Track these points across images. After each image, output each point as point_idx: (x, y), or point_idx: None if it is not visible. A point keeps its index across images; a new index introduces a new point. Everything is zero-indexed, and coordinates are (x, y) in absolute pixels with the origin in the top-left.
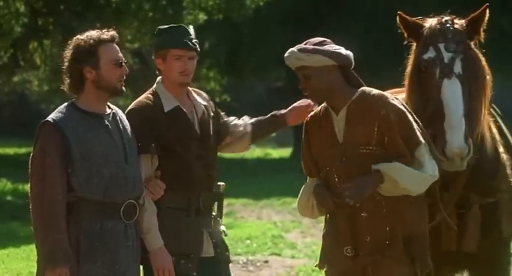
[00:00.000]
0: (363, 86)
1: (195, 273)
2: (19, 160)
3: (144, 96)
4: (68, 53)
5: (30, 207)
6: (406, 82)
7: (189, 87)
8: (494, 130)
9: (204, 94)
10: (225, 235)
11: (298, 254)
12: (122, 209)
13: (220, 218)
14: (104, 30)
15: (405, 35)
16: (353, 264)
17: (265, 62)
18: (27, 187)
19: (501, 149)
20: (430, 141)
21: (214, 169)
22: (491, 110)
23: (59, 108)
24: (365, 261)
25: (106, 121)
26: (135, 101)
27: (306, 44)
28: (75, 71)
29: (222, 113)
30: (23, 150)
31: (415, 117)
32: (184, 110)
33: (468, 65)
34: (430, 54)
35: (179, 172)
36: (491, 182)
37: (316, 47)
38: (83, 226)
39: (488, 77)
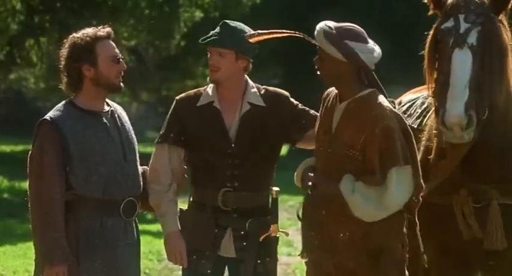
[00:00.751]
0: (379, 88)
1: (209, 271)
2: (16, 157)
3: (196, 89)
4: (64, 52)
5: (29, 205)
6: (425, 53)
7: (261, 86)
8: None
9: (278, 94)
10: (287, 235)
11: (294, 251)
12: (121, 207)
13: (274, 223)
14: (99, 27)
15: (430, 6)
16: (320, 254)
17: (262, 59)
18: (24, 185)
19: None
20: (416, 165)
21: (248, 170)
22: None
23: (56, 106)
24: (322, 257)
25: (104, 119)
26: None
27: (337, 28)
28: (73, 70)
29: (311, 112)
30: (19, 148)
31: (410, 137)
32: (219, 107)
33: (485, 37)
34: (448, 24)
35: (198, 167)
36: None
37: (337, 37)
38: (82, 224)
39: (507, 53)
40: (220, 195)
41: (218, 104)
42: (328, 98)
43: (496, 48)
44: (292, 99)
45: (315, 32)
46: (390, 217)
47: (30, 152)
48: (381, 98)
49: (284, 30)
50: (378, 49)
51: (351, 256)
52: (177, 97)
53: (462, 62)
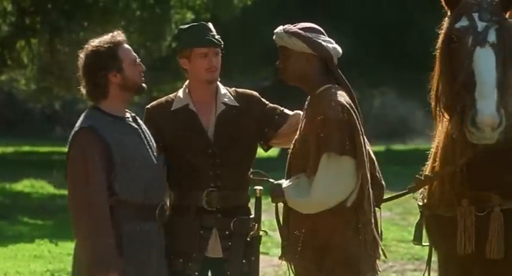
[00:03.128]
0: (343, 82)
1: (196, 273)
2: (6, 159)
3: (165, 96)
4: (86, 61)
5: (73, 213)
6: (437, 53)
7: (225, 87)
8: None
9: (248, 94)
10: (266, 234)
11: None
12: (157, 211)
13: (257, 222)
14: (113, 33)
15: (442, 2)
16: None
17: (253, 61)
18: (15, 186)
19: None
20: (361, 158)
21: (229, 169)
22: None
23: (86, 114)
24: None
25: (134, 124)
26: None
27: (294, 25)
28: (101, 78)
29: (282, 109)
30: (10, 149)
31: (356, 131)
32: (194, 109)
33: (503, 35)
34: (463, 23)
35: (179, 169)
36: None
37: (299, 31)
38: (124, 229)
39: None
40: (204, 195)
41: (193, 106)
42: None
43: None
44: (263, 99)
45: (274, 36)
46: (334, 215)
47: (68, 160)
48: (334, 92)
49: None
50: (336, 45)
51: (302, 254)
52: (148, 106)
53: (486, 61)
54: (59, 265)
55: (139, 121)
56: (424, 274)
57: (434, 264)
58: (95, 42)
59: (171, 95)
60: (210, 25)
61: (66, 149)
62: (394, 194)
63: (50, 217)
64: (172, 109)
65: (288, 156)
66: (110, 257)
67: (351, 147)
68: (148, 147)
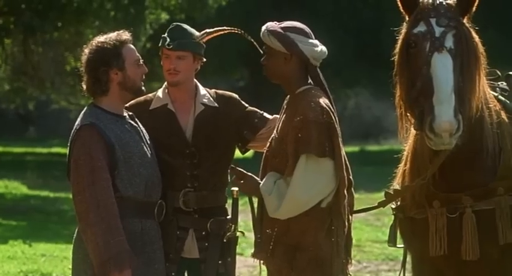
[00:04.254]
0: (320, 84)
1: (173, 274)
2: None
3: (146, 94)
4: (89, 56)
5: (82, 214)
6: (396, 58)
7: (204, 89)
8: (506, 123)
9: (228, 96)
10: (243, 234)
11: None
12: (156, 209)
13: (234, 223)
14: (119, 32)
15: (400, 6)
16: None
17: (228, 61)
18: None
19: (507, 145)
20: (339, 160)
21: (206, 169)
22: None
23: (86, 112)
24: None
25: (133, 122)
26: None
27: (280, 24)
28: (102, 73)
29: (262, 113)
30: None
31: (335, 133)
32: (173, 108)
33: (460, 40)
34: (421, 28)
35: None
36: (486, 181)
37: (280, 30)
38: (126, 227)
39: (482, 56)
40: (181, 195)
41: (172, 106)
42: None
43: (472, 51)
44: (242, 101)
45: (262, 30)
46: (308, 215)
47: (70, 158)
48: (314, 93)
49: (227, 28)
50: (323, 47)
51: (274, 252)
52: (126, 105)
53: (444, 66)
54: (32, 266)
55: (137, 120)
56: (399, 275)
57: (409, 265)
58: (100, 38)
59: (150, 95)
60: (186, 27)
61: (40, 150)
62: (366, 206)
63: (23, 218)
64: (150, 108)
65: (264, 154)
66: (124, 254)
67: (330, 149)
68: (146, 145)
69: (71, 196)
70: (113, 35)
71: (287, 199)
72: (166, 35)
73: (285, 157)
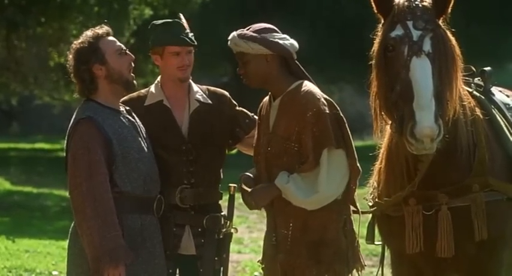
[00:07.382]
0: (306, 77)
1: (171, 271)
2: None
3: (138, 90)
4: (71, 60)
5: (78, 208)
6: (373, 62)
7: (198, 85)
8: (480, 120)
9: (220, 93)
10: (236, 231)
11: (244, 249)
12: (154, 204)
13: (229, 219)
14: (96, 28)
15: (374, 9)
16: (276, 256)
17: (211, 57)
18: None
19: (482, 141)
20: (351, 150)
21: (202, 166)
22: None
23: (82, 106)
24: (281, 259)
25: (131, 117)
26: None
27: (248, 29)
28: (84, 72)
29: (252, 115)
30: None
31: (343, 123)
32: (169, 105)
33: (438, 43)
34: (398, 32)
35: None
36: (462, 178)
37: (254, 34)
38: (125, 222)
39: (459, 58)
40: (177, 192)
41: (167, 102)
42: (262, 107)
43: (450, 54)
44: (233, 100)
45: (229, 40)
46: (326, 209)
47: (68, 152)
48: (309, 86)
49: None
50: (293, 40)
51: (292, 251)
52: (119, 101)
53: (423, 71)
54: (16, 262)
55: (134, 115)
56: (377, 271)
57: (388, 260)
58: (78, 40)
59: (142, 91)
60: (184, 22)
61: (23, 146)
62: None
63: (6, 214)
64: (145, 104)
65: (265, 156)
66: (119, 249)
67: (341, 139)
68: (143, 140)
69: (54, 192)
70: (88, 32)
71: (320, 193)
72: (171, 33)
73: (294, 155)
